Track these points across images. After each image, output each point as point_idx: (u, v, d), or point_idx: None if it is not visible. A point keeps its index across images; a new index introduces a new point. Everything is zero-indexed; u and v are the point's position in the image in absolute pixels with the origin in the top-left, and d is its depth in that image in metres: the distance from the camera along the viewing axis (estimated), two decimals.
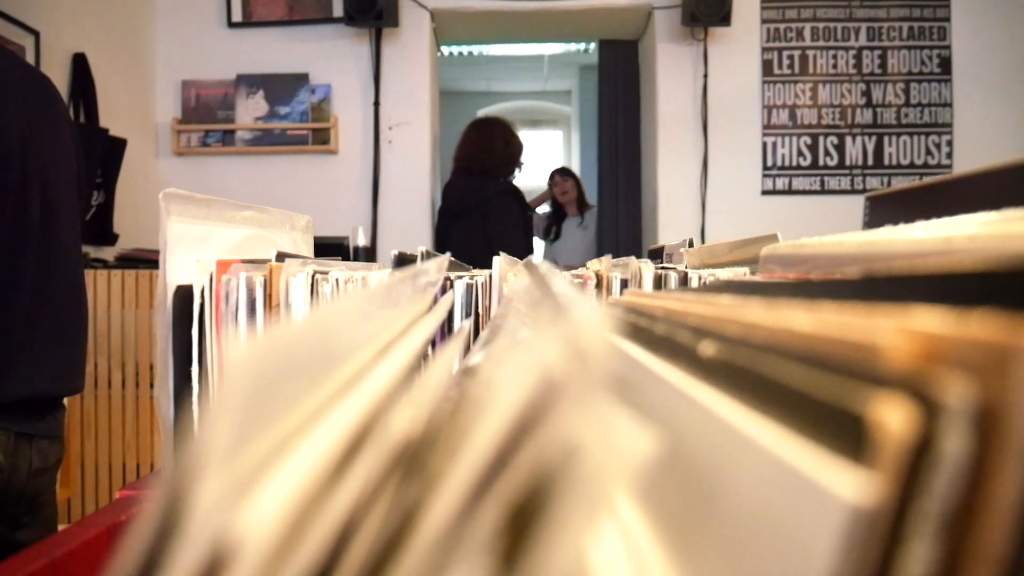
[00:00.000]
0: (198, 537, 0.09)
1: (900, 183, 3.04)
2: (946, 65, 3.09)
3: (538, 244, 3.92)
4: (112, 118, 2.65)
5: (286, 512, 0.10)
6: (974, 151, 3.05)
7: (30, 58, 2.24)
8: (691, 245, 1.17)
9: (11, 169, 1.02)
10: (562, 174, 3.81)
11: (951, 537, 0.10)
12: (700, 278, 0.86)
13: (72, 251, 1.16)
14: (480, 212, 2.76)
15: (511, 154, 2.89)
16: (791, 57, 3.13)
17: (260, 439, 0.11)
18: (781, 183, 3.13)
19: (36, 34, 2.28)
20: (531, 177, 4.25)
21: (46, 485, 1.16)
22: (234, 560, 0.09)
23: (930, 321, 0.11)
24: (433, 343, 0.74)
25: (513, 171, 2.93)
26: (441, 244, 3.01)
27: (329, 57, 3.13)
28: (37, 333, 1.09)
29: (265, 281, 0.73)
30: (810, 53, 3.13)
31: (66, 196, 1.15)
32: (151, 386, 2.06)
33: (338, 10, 3.07)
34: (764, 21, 3.13)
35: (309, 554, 0.11)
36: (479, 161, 2.81)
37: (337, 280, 0.76)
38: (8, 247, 1.03)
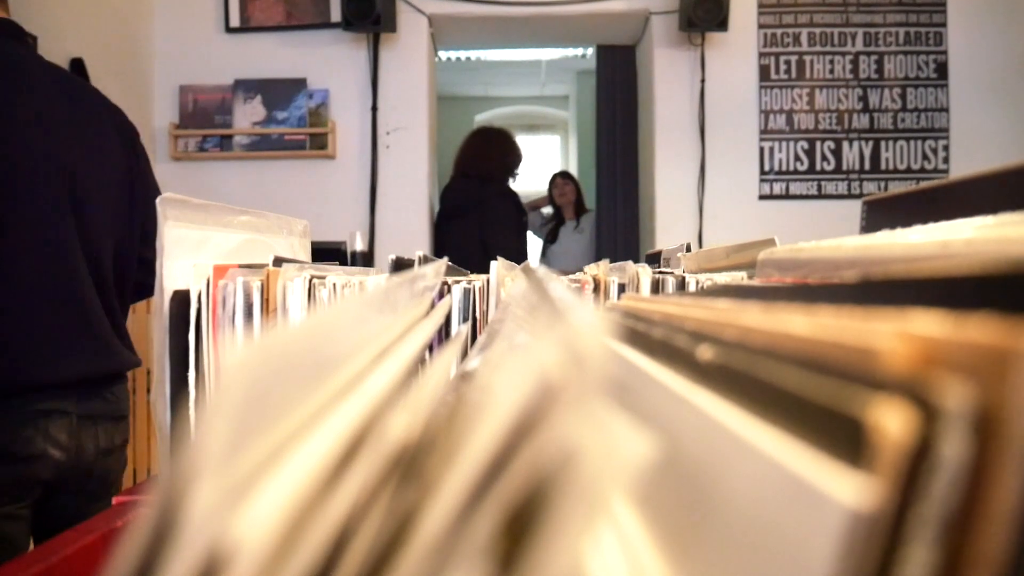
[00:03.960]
0: (194, 542, 0.09)
1: (897, 188, 3.04)
2: (942, 70, 3.10)
3: (536, 243, 3.93)
4: None
5: (282, 517, 0.10)
6: (971, 155, 3.06)
7: None
8: (688, 250, 1.17)
9: (36, 160, 1.13)
10: (563, 177, 3.85)
11: (950, 541, 0.09)
12: (697, 282, 0.86)
13: (104, 241, 1.23)
14: (476, 213, 2.83)
15: (508, 163, 3.05)
16: (788, 62, 3.14)
17: (256, 444, 0.11)
18: (778, 188, 3.14)
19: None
20: (530, 182, 4.26)
21: (113, 464, 1.27)
22: (230, 565, 0.09)
23: (928, 325, 0.11)
24: (431, 348, 0.74)
25: (508, 179, 3.07)
26: (437, 246, 3.05)
27: (327, 62, 3.14)
28: (84, 315, 1.18)
29: (262, 286, 0.73)
30: (807, 58, 3.14)
31: (98, 192, 1.22)
32: (148, 391, 2.06)
33: (336, 15, 3.07)
34: (761, 26, 3.14)
35: (305, 559, 0.11)
36: (477, 166, 2.91)
37: (334, 285, 0.76)
38: (41, 234, 1.14)
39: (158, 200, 0.72)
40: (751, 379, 0.15)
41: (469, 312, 0.83)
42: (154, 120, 3.12)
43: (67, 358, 1.15)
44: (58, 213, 1.16)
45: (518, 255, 2.86)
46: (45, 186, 1.14)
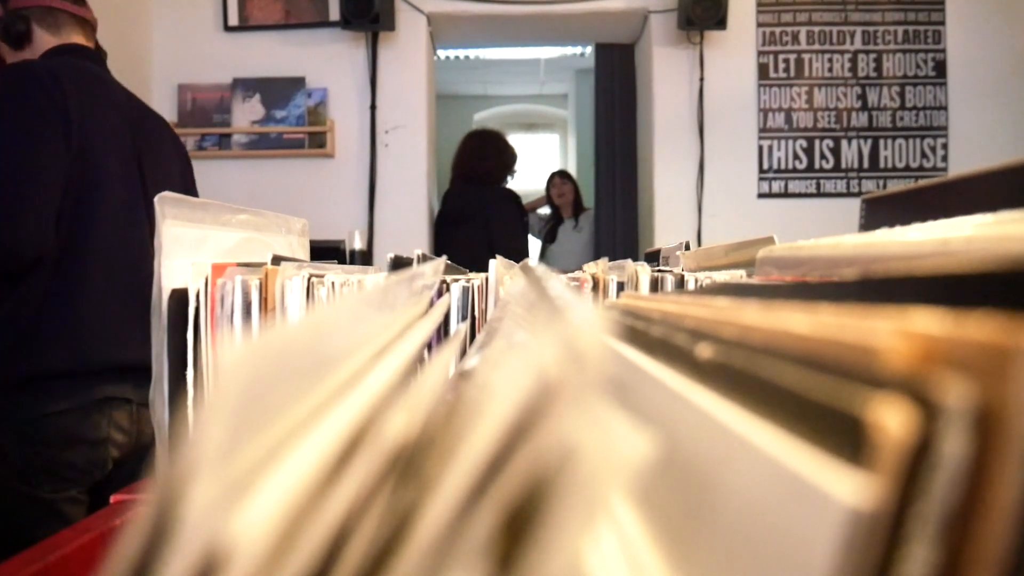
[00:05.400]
0: (191, 542, 0.09)
1: (896, 186, 3.04)
2: (941, 68, 3.10)
3: (535, 244, 3.93)
4: None
5: (280, 517, 0.10)
6: (969, 154, 3.06)
7: None
8: (687, 248, 1.17)
9: (117, 163, 1.30)
10: (561, 176, 3.84)
11: (951, 540, 0.09)
12: (696, 281, 0.86)
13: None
14: (481, 217, 2.88)
15: (505, 162, 3.08)
16: (787, 61, 3.14)
17: (254, 443, 0.11)
18: (777, 186, 3.14)
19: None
20: (529, 181, 4.27)
21: None
22: (227, 565, 0.09)
23: (928, 322, 0.11)
24: (429, 346, 0.74)
25: (506, 177, 3.11)
26: (441, 250, 3.06)
27: (326, 61, 3.13)
28: (132, 308, 1.28)
29: (261, 284, 0.73)
30: (806, 57, 3.13)
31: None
32: None
33: (334, 14, 3.06)
34: (760, 25, 3.14)
35: (303, 559, 0.10)
36: (476, 167, 2.96)
37: (333, 283, 0.75)
38: (121, 228, 1.28)
39: (156, 198, 0.72)
40: (750, 377, 0.15)
41: (468, 311, 0.83)
42: None
43: (130, 343, 1.25)
44: (135, 210, 1.30)
45: (524, 255, 2.89)
46: (125, 189, 1.30)
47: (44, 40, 1.35)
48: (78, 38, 1.38)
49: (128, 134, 1.34)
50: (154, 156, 1.41)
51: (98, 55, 1.43)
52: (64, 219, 1.20)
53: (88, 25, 1.41)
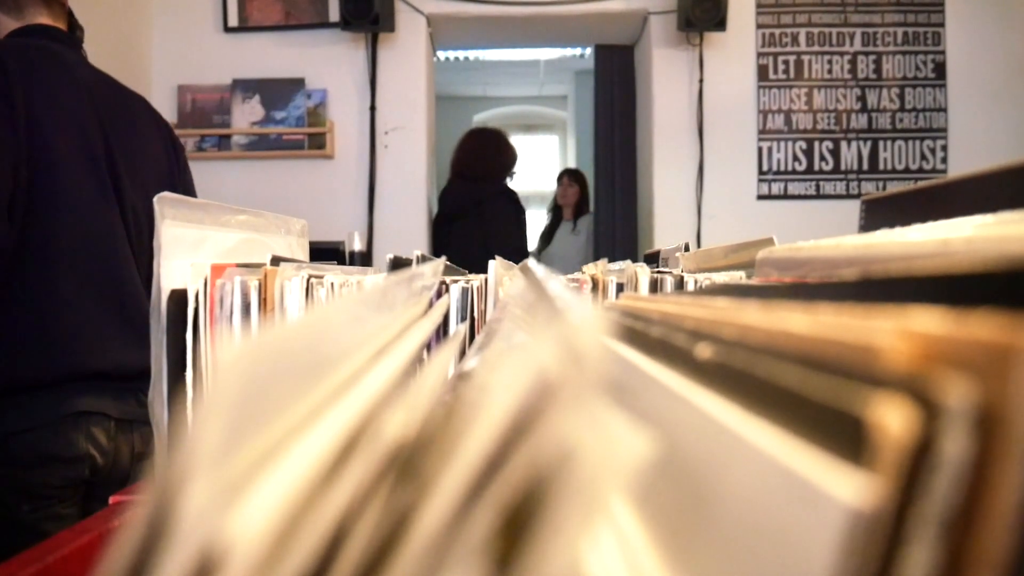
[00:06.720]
0: (187, 542, 0.09)
1: (895, 187, 3.05)
2: (940, 70, 3.10)
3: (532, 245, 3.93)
4: None
5: (277, 516, 0.10)
6: (969, 155, 3.06)
7: None
8: (687, 249, 1.17)
9: (79, 150, 1.19)
10: (570, 176, 3.81)
11: (952, 540, 0.09)
12: (696, 282, 0.86)
13: (146, 234, 1.25)
14: (476, 213, 2.87)
15: (504, 162, 3.06)
16: (786, 62, 3.14)
17: (252, 442, 0.11)
18: (777, 188, 3.14)
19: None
20: (529, 182, 4.26)
21: (147, 469, 1.23)
22: (224, 565, 0.09)
23: (929, 322, 0.11)
24: (428, 347, 0.74)
25: (505, 178, 3.09)
26: (439, 248, 3.06)
27: (325, 62, 3.13)
28: (123, 304, 1.20)
29: (260, 285, 0.73)
30: (805, 58, 3.14)
31: (141, 187, 1.28)
32: None
33: (334, 15, 3.07)
34: (759, 26, 3.14)
35: (300, 559, 0.10)
36: (473, 166, 2.94)
37: (332, 284, 0.75)
38: (84, 221, 1.17)
39: (155, 199, 0.71)
40: (750, 377, 0.15)
41: (467, 312, 0.83)
42: None
43: (105, 347, 1.16)
44: (102, 201, 1.21)
45: (519, 254, 2.88)
46: (87, 175, 1.19)
47: (6, 24, 1.27)
48: (44, 19, 1.29)
49: (92, 116, 1.23)
50: (127, 139, 1.29)
51: (66, 35, 1.33)
52: (17, 209, 1.09)
53: (57, 4, 1.32)
